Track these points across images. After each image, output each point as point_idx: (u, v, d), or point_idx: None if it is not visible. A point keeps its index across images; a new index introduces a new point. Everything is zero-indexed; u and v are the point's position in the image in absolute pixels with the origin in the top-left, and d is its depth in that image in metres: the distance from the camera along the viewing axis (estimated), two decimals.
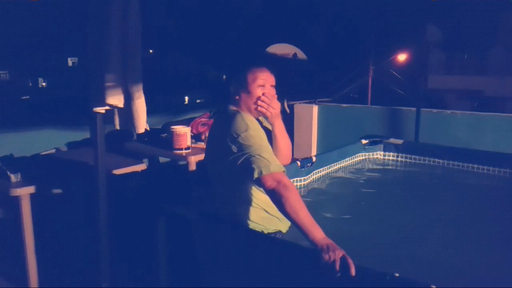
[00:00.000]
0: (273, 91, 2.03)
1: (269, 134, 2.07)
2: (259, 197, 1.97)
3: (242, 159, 1.77)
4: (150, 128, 4.91)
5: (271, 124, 2.10)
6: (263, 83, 1.99)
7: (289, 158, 2.26)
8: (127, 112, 1.75)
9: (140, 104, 1.75)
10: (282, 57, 5.70)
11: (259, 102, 1.98)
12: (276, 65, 2.09)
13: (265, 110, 2.00)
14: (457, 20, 8.80)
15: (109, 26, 1.62)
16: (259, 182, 1.74)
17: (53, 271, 2.75)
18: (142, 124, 1.80)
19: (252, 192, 1.97)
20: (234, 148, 1.80)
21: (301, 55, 6.12)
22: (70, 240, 2.90)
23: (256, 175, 1.71)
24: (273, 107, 2.01)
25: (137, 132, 1.82)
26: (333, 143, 4.03)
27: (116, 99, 1.70)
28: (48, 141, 4.06)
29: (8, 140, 3.91)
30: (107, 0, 1.60)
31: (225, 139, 1.84)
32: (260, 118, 2.11)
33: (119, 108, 1.75)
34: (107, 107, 1.73)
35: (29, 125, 4.40)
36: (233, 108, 2.00)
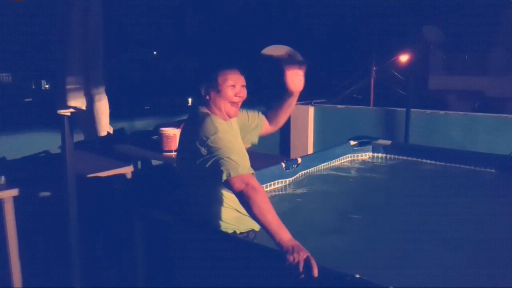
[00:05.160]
0: (244, 92, 2.05)
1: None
2: (230, 197, 1.97)
3: (211, 161, 1.78)
4: (143, 130, 4.97)
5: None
6: (234, 83, 2.01)
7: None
8: (88, 114, 1.76)
9: (100, 106, 1.75)
10: (277, 58, 5.70)
11: None
12: (247, 65, 2.10)
13: None
14: (457, 20, 8.76)
15: (69, 27, 1.64)
16: (228, 185, 1.74)
17: (38, 271, 2.77)
18: (104, 126, 1.80)
19: (223, 192, 1.98)
20: (203, 151, 1.81)
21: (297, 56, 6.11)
22: (57, 241, 2.93)
23: (224, 177, 1.72)
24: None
25: (99, 135, 1.82)
26: (329, 144, 4.03)
27: (79, 102, 1.72)
28: (44, 143, 4.08)
29: (6, 142, 3.94)
30: (68, 2, 1.63)
31: (195, 142, 1.85)
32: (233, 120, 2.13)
33: (82, 111, 1.76)
34: (71, 110, 1.75)
35: (29, 127, 4.42)
36: (203, 109, 2.02)
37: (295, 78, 2.26)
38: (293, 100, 2.34)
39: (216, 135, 1.81)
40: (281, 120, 2.42)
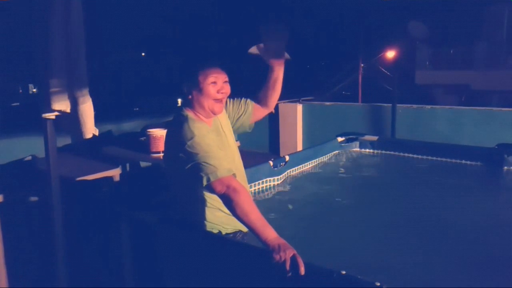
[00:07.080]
0: (227, 87, 2.03)
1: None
2: (213, 197, 1.95)
3: (189, 166, 1.78)
4: (130, 131, 4.94)
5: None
6: (215, 80, 1.99)
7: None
8: (73, 117, 1.75)
9: (85, 109, 1.74)
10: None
11: None
12: (226, 61, 2.09)
13: None
14: (442, 15, 8.84)
15: (50, 30, 1.63)
16: (210, 189, 1.75)
17: (25, 273, 2.76)
18: (89, 129, 1.79)
19: (205, 192, 1.98)
20: (182, 156, 1.81)
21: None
22: (44, 244, 2.91)
23: (205, 182, 1.72)
24: None
25: (84, 137, 1.81)
26: (318, 141, 4.05)
27: (63, 105, 1.71)
28: (31, 147, 4.04)
29: None
30: (49, 6, 1.61)
31: (174, 146, 1.86)
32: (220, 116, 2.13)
33: (66, 114, 1.75)
34: (56, 113, 1.74)
35: (16, 131, 4.38)
36: (186, 110, 2.01)
37: (274, 49, 2.13)
38: (279, 73, 2.22)
39: (192, 140, 1.81)
40: (272, 100, 2.31)
